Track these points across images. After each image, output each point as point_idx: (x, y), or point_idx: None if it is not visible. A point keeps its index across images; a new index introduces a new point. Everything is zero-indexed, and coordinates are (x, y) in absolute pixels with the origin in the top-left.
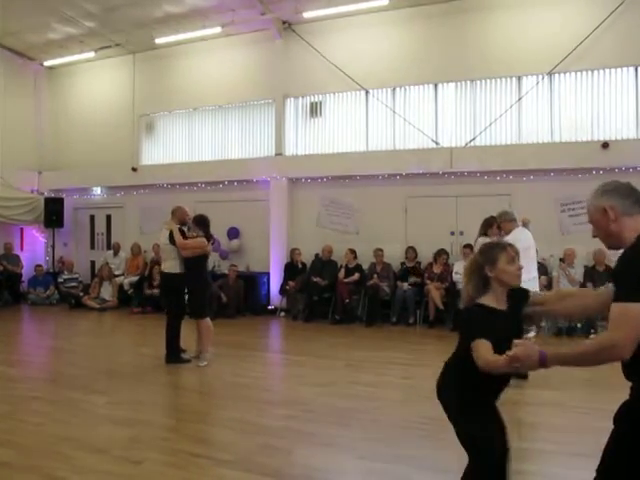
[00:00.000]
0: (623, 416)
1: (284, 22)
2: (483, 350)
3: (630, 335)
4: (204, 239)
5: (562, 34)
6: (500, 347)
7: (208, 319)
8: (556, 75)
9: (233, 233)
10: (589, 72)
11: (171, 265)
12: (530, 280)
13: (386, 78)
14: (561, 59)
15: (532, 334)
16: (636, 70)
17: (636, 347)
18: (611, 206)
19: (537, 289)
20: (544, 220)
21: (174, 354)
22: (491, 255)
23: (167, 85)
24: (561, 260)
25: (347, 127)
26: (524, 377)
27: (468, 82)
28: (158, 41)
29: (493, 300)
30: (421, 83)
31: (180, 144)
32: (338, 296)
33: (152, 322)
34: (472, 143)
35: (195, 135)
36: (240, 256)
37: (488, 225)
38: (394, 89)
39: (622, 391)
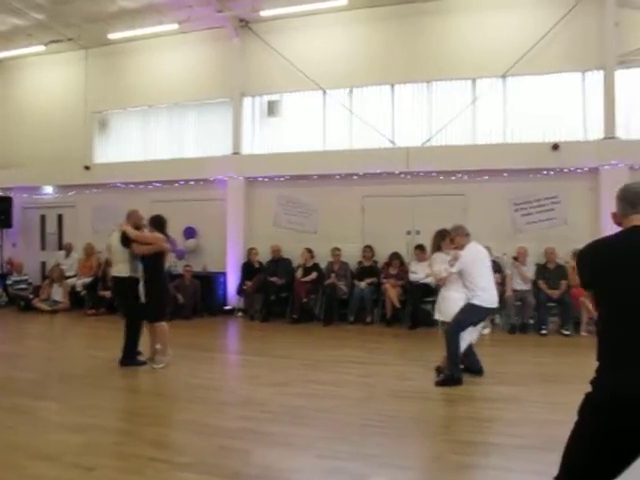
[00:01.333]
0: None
1: (241, 20)
2: None
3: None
4: (161, 234)
5: (515, 38)
6: None
7: (164, 322)
8: (509, 78)
9: (189, 233)
10: (540, 76)
11: (121, 269)
12: (496, 293)
13: (344, 78)
14: (514, 63)
15: (487, 331)
16: (583, 75)
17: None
18: None
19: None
20: (498, 219)
21: (130, 357)
22: None
23: (121, 82)
24: (514, 258)
25: (305, 126)
26: (479, 373)
27: (424, 83)
28: (112, 36)
29: None
30: (378, 84)
31: (135, 142)
32: (295, 295)
33: (106, 324)
34: (428, 143)
35: (150, 133)
36: (197, 256)
37: (441, 238)
38: (351, 89)
39: (574, 386)
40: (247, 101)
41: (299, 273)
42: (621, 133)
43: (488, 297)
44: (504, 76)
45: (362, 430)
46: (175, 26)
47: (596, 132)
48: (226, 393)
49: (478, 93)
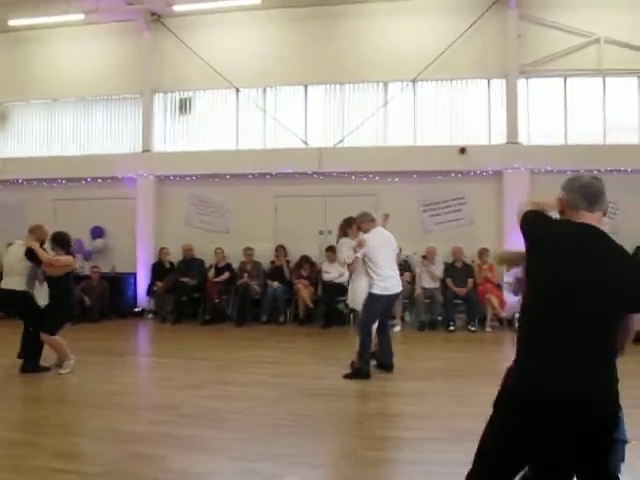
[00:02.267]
0: None
1: (153, 14)
2: None
3: None
4: (71, 257)
5: (426, 45)
6: None
7: (57, 337)
8: (419, 83)
9: (97, 232)
10: (449, 81)
11: (16, 281)
12: (397, 277)
13: (257, 77)
14: (424, 68)
15: (397, 328)
16: (488, 82)
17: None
18: None
19: (400, 285)
20: (408, 219)
21: (31, 363)
22: None
23: (24, 72)
24: (423, 257)
25: (218, 125)
26: (389, 369)
27: (337, 85)
28: (12, 23)
29: None
30: (292, 84)
31: (38, 137)
32: (208, 296)
33: (3, 329)
34: (340, 144)
35: (55, 128)
36: (105, 256)
37: (348, 225)
38: (265, 88)
39: (480, 379)
40: (158, 97)
41: (211, 273)
42: (523, 139)
43: (389, 284)
44: (414, 80)
45: (275, 430)
46: (81, 16)
47: (500, 137)
48: (138, 397)
49: (389, 96)
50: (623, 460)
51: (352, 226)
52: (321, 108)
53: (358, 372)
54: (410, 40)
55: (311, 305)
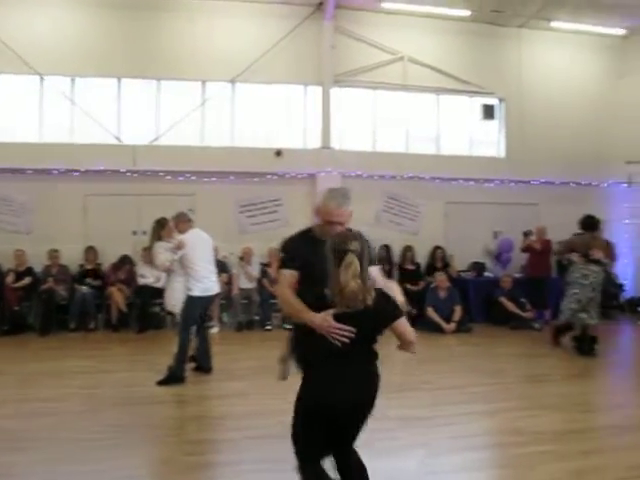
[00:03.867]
0: None
1: None
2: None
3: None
4: None
5: (245, 46)
6: None
7: None
8: (238, 84)
9: None
10: (267, 85)
11: None
12: (215, 278)
13: (65, 65)
14: (243, 70)
15: (216, 330)
16: (305, 89)
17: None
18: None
19: (219, 286)
20: (224, 220)
21: None
22: None
23: None
24: (240, 258)
25: (18, 114)
26: (209, 371)
27: (154, 80)
28: None
29: None
30: (104, 75)
31: None
32: (5, 304)
33: None
34: (156, 142)
35: None
36: None
37: (160, 227)
38: (73, 78)
39: (293, 376)
40: None
41: (10, 278)
42: (335, 144)
43: (208, 286)
44: (233, 81)
45: (85, 446)
46: None
47: (314, 142)
48: None
49: (208, 95)
50: None
51: (165, 227)
52: (136, 103)
53: (172, 376)
54: (230, 41)
55: (125, 309)
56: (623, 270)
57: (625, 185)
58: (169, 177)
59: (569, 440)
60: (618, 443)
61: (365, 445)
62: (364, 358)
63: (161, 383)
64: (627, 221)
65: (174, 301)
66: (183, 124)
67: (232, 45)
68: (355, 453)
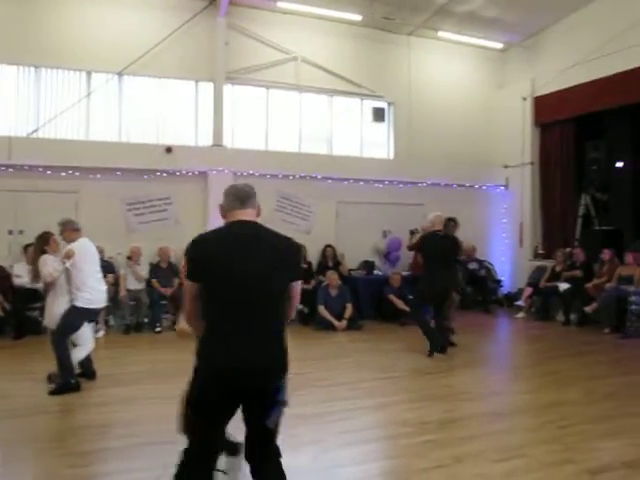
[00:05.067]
0: None
1: None
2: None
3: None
4: None
5: (135, 38)
6: None
7: None
8: (126, 77)
9: None
10: (157, 79)
11: None
12: (104, 290)
13: None
14: (131, 62)
15: (101, 333)
16: (197, 85)
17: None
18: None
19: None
20: (111, 218)
21: None
22: None
23: None
24: (128, 258)
25: None
26: (92, 376)
27: (33, 68)
28: None
29: None
30: None
31: None
32: None
33: None
34: (35, 134)
35: None
36: None
37: (44, 242)
38: None
39: (184, 378)
40: None
41: None
42: (227, 142)
43: (94, 297)
44: (120, 74)
45: None
46: None
47: (206, 139)
48: None
49: (93, 87)
50: (280, 416)
51: (49, 242)
52: (13, 92)
53: (66, 386)
54: (118, 30)
55: (1, 313)
56: (501, 267)
57: (503, 188)
58: (49, 172)
59: (452, 428)
60: (495, 428)
61: None
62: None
63: (54, 393)
64: (505, 221)
65: (54, 316)
66: (66, 116)
67: (121, 35)
68: (273, 461)
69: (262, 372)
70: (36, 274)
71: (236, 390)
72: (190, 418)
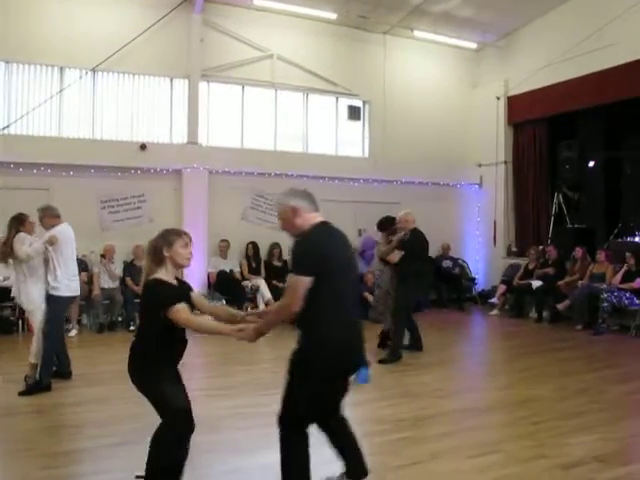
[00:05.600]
0: (290, 359)
1: None
2: (185, 313)
3: (295, 297)
4: None
5: (109, 33)
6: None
7: None
8: (100, 73)
9: None
10: (132, 75)
11: None
12: (75, 278)
13: None
14: (105, 58)
15: (74, 332)
16: (171, 82)
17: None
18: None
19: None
20: (84, 216)
21: None
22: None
23: None
24: (102, 256)
25: None
26: (68, 376)
27: (3, 63)
28: None
29: (165, 275)
30: None
31: None
32: None
33: None
34: (6, 131)
35: None
36: None
37: (20, 223)
38: None
39: None
40: None
41: None
42: (202, 140)
43: (75, 285)
44: (94, 70)
45: None
46: None
47: (181, 137)
48: None
49: (66, 83)
50: None
51: (24, 223)
52: None
53: (38, 385)
54: (92, 25)
55: None
56: (475, 265)
57: (477, 186)
58: (21, 169)
59: (427, 425)
60: (469, 424)
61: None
62: None
63: (24, 393)
64: (478, 219)
65: (31, 298)
66: (38, 113)
67: (95, 31)
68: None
69: (362, 350)
70: (6, 253)
71: (352, 363)
72: (317, 394)
